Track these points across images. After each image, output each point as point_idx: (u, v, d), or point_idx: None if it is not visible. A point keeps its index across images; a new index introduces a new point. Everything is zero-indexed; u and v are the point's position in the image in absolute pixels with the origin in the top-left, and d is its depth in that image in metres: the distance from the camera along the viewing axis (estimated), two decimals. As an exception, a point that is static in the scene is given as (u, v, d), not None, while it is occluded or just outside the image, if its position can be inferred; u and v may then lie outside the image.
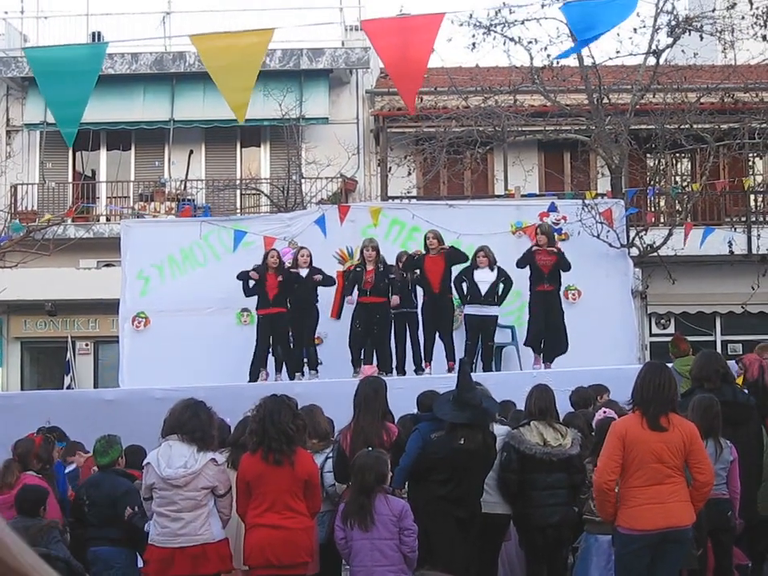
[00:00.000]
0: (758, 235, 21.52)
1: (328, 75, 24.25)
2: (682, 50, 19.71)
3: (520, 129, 20.92)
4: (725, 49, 20.14)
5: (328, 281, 14.27)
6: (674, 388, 7.26)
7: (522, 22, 19.52)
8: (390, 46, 8.15)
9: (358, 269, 14.29)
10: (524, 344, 14.47)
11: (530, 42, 19.45)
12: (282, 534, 7.34)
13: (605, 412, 9.04)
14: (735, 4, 19.37)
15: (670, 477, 7.06)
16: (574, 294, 15.53)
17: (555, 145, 22.53)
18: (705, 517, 7.70)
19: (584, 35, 8.54)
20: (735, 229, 21.05)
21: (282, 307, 14.23)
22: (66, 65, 7.96)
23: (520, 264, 14.24)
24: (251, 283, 14.38)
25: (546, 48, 19.35)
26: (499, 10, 19.42)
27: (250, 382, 13.95)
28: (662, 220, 21.86)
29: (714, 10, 20.22)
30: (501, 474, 8.59)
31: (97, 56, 8.58)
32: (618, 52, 19.51)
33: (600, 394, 10.62)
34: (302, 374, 14.13)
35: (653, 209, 22.44)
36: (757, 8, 18.88)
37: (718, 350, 20.49)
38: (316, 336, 14.48)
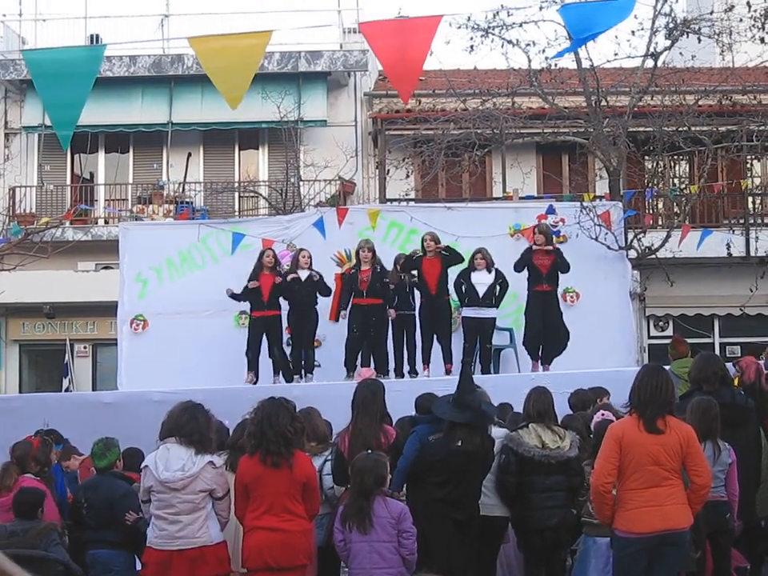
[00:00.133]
0: (756, 237, 21.51)
1: (326, 78, 24.27)
2: (680, 53, 19.73)
3: (518, 131, 20.92)
4: (723, 51, 20.15)
5: (324, 290, 14.22)
6: (671, 390, 7.25)
7: (520, 25, 19.55)
8: (387, 47, 8.15)
9: (352, 271, 14.29)
10: (522, 344, 14.47)
11: (528, 45, 19.48)
12: (280, 537, 7.33)
13: (603, 414, 9.04)
14: (733, 6, 19.37)
15: (667, 479, 7.05)
16: (572, 297, 15.54)
17: (553, 147, 22.54)
18: (703, 519, 7.69)
19: (581, 37, 8.54)
20: (733, 231, 21.04)
21: (277, 309, 14.22)
22: (64, 67, 7.94)
23: (518, 267, 14.23)
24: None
25: (543, 50, 19.39)
26: (497, 13, 19.42)
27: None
28: (660, 222, 21.88)
29: (711, 13, 20.21)
30: (499, 476, 8.59)
31: (95, 58, 8.56)
32: (615, 54, 19.55)
33: (600, 397, 10.61)
34: (301, 377, 14.13)
35: (651, 211, 22.46)
36: (755, 10, 18.89)
37: (717, 352, 20.51)
38: (315, 339, 14.49)
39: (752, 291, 20.81)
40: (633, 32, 19.07)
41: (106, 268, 22.36)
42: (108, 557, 8.42)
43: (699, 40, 19.33)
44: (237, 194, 24.12)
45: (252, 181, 24.08)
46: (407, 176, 21.96)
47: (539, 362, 14.09)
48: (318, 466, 8.20)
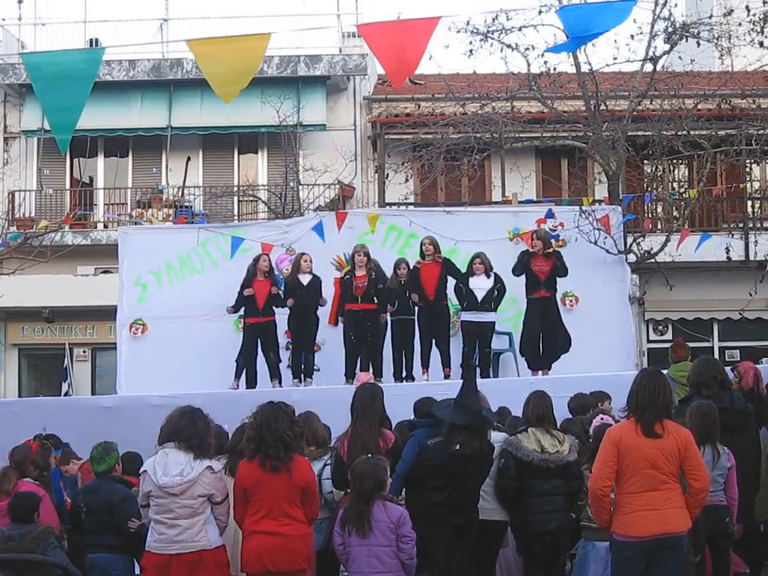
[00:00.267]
0: (756, 241, 21.51)
1: (325, 82, 24.28)
2: (679, 57, 19.72)
3: (517, 135, 20.92)
4: (722, 55, 20.12)
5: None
6: (669, 395, 7.25)
7: (519, 29, 19.51)
8: (386, 46, 8.17)
9: (346, 276, 14.29)
10: (519, 352, 14.50)
11: (527, 49, 19.45)
12: (280, 541, 7.33)
13: (602, 418, 9.04)
14: (732, 10, 19.36)
15: (664, 483, 7.05)
16: (571, 301, 15.55)
17: (552, 151, 22.55)
18: (703, 523, 7.70)
19: (580, 36, 8.55)
20: (732, 235, 21.04)
21: (271, 315, 14.22)
22: (63, 70, 7.94)
23: (516, 271, 14.26)
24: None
25: (542, 55, 19.38)
26: (496, 17, 19.42)
27: (248, 387, 13.99)
28: (659, 226, 21.86)
29: (710, 17, 20.22)
30: (498, 480, 8.58)
31: (93, 62, 8.56)
32: (615, 58, 19.51)
33: (601, 401, 10.60)
34: (300, 381, 14.14)
35: (650, 215, 22.46)
36: (754, 14, 18.87)
37: (716, 356, 20.51)
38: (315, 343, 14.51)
39: (751, 295, 20.80)
40: (632, 36, 19.05)
41: (105, 272, 22.37)
42: (107, 561, 8.42)
43: (698, 44, 19.33)
44: (236, 198, 24.11)
45: (251, 185, 24.08)
46: (406, 180, 21.95)
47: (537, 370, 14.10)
48: (317, 471, 8.21)
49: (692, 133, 19.31)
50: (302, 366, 14.23)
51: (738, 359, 20.27)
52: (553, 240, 15.04)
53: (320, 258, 14.95)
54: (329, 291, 14.66)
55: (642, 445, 7.04)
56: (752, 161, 21.77)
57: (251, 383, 14.10)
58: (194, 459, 7.43)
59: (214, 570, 7.45)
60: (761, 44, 18.96)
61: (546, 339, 14.11)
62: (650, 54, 19.23)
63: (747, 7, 18.84)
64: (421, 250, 14.33)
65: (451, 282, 14.26)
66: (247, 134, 24.10)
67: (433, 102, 22.09)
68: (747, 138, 19.82)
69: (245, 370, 14.17)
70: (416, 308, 14.13)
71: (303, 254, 14.50)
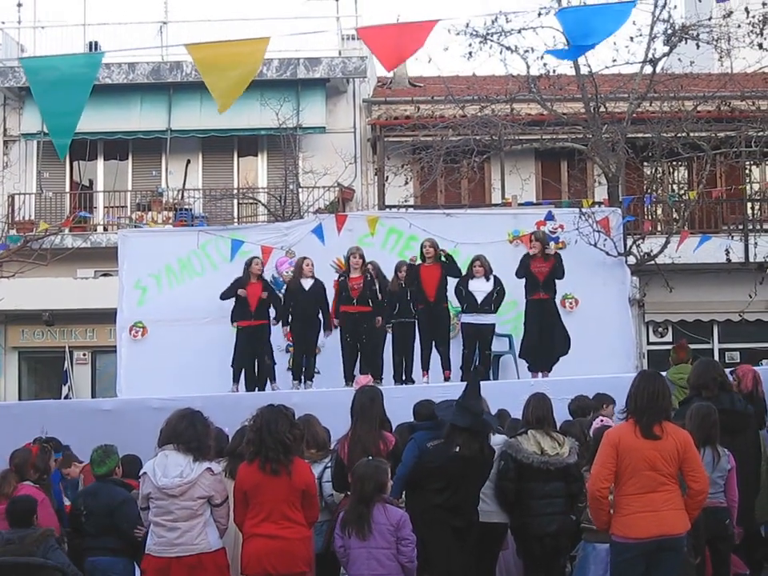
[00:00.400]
0: (755, 243, 21.48)
1: (325, 84, 24.28)
2: (679, 59, 19.72)
3: (517, 137, 20.93)
4: (721, 57, 20.13)
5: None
6: (667, 397, 7.27)
7: (519, 31, 19.52)
8: (385, 46, 8.19)
9: (341, 278, 14.28)
10: (518, 356, 14.50)
11: (527, 51, 19.45)
12: (280, 544, 7.33)
13: (602, 420, 9.04)
14: (731, 12, 19.36)
15: (663, 485, 7.06)
16: (571, 303, 15.55)
17: (552, 153, 22.54)
18: (703, 525, 7.70)
19: (579, 42, 8.55)
20: (732, 237, 21.00)
21: (264, 319, 14.20)
22: (61, 74, 7.92)
23: (519, 273, 14.27)
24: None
25: (542, 57, 19.38)
26: (495, 19, 19.42)
27: (247, 390, 13.99)
28: (659, 228, 21.85)
29: (710, 19, 20.20)
30: (498, 482, 8.58)
31: (93, 65, 8.54)
32: (614, 61, 19.53)
33: (605, 404, 10.56)
34: (300, 383, 14.14)
35: (650, 217, 22.47)
36: (753, 16, 18.87)
37: (716, 358, 20.49)
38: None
39: (751, 297, 20.76)
40: (631, 38, 19.06)
41: (105, 275, 22.36)
42: (107, 564, 8.43)
43: (698, 46, 19.34)
44: (236, 201, 24.10)
45: (251, 188, 24.07)
46: (406, 182, 21.96)
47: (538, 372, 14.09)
48: (317, 473, 8.21)
49: (691, 135, 19.31)
50: (303, 369, 14.23)
51: (738, 361, 20.30)
52: (552, 242, 15.03)
53: (320, 260, 14.95)
54: (329, 293, 14.64)
55: (641, 446, 7.05)
56: (752, 162, 21.75)
57: (251, 385, 14.10)
58: (194, 461, 7.43)
59: (214, 572, 7.45)
60: (760, 46, 18.96)
61: (544, 341, 14.10)
62: (650, 55, 19.24)
63: (746, 9, 18.84)
64: (421, 252, 14.33)
65: (451, 283, 14.25)
66: (247, 136, 24.11)
67: (432, 104, 22.11)
68: (747, 140, 19.82)
69: (243, 373, 14.16)
70: (416, 310, 14.13)
71: (305, 258, 14.48)
